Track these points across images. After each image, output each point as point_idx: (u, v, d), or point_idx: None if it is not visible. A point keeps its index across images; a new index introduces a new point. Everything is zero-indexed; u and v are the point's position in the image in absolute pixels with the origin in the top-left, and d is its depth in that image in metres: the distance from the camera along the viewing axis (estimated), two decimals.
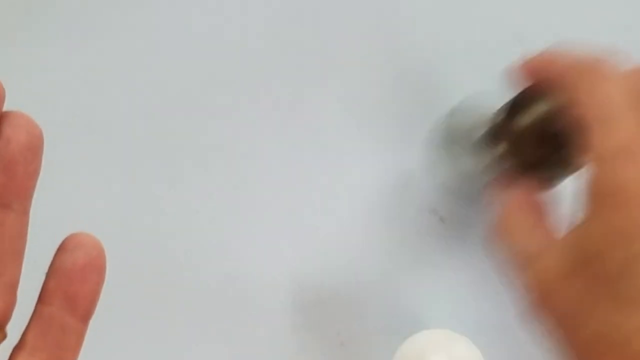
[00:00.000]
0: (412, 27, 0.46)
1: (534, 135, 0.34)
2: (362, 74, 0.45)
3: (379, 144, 0.45)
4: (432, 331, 0.41)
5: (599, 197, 0.26)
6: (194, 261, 0.44)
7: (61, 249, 0.25)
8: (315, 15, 0.46)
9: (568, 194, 0.32)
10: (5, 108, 0.47)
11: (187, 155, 0.45)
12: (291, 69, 0.46)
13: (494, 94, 0.37)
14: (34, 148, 0.24)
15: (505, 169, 0.34)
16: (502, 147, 0.34)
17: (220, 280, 0.44)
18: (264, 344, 0.44)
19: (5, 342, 0.24)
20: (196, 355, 0.44)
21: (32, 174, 0.24)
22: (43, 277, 0.44)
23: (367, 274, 0.45)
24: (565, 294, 0.27)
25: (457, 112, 0.41)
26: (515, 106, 0.34)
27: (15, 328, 0.44)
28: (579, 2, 0.46)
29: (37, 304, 0.25)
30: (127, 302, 0.44)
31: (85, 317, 0.24)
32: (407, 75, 0.46)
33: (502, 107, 0.35)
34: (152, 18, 0.45)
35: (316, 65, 0.46)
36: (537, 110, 0.34)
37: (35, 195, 0.44)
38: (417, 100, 0.45)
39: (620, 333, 0.25)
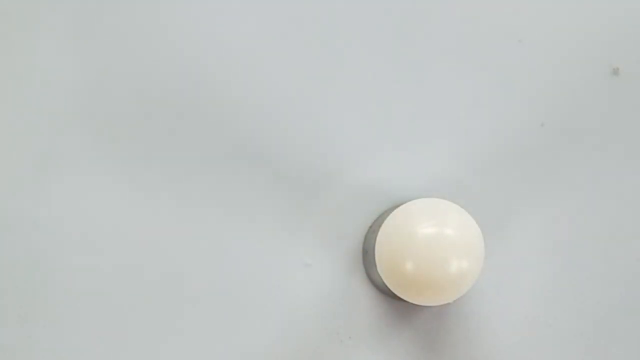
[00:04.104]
0: None
1: None
2: None
3: None
4: (422, 200, 0.41)
5: None
6: (193, 262, 0.44)
7: None
8: None
9: None
10: (5, 106, 0.46)
11: (190, 155, 0.45)
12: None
13: None
14: None
15: None
16: None
17: (218, 281, 0.44)
18: (262, 344, 0.44)
19: None
20: (194, 354, 0.44)
21: None
22: (41, 276, 0.44)
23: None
24: None
25: None
26: None
27: (14, 328, 0.44)
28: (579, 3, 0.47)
29: None
30: (130, 302, 0.44)
31: None
32: None
33: None
34: (157, 16, 0.45)
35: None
36: None
37: (36, 194, 0.44)
38: None
39: None
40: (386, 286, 0.40)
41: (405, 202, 0.41)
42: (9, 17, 0.45)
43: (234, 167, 0.44)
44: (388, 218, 0.40)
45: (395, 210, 0.40)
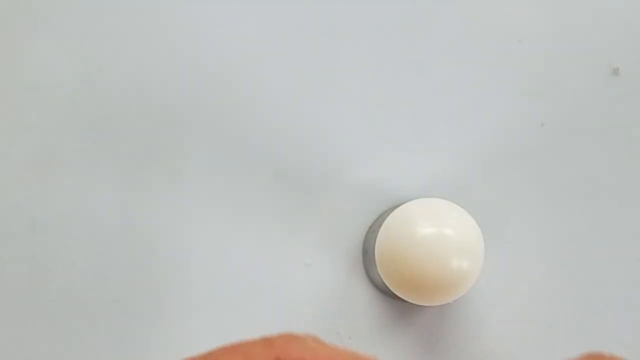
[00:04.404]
0: None
1: None
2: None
3: None
4: (422, 200, 0.41)
5: None
6: (194, 263, 0.44)
7: None
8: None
9: None
10: (5, 106, 0.46)
11: (189, 155, 0.45)
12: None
13: None
14: None
15: None
16: None
17: (218, 281, 0.44)
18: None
19: None
20: (194, 354, 0.44)
21: None
22: (42, 276, 0.44)
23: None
24: None
25: None
26: None
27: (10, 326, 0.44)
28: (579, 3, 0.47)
29: None
30: (127, 298, 0.44)
31: None
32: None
33: None
34: (157, 16, 0.45)
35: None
36: None
37: (35, 194, 0.44)
38: None
39: None
40: (386, 286, 0.40)
41: (405, 202, 0.41)
42: (9, 17, 0.45)
43: (234, 167, 0.44)
44: (388, 218, 0.40)
45: (395, 210, 0.40)
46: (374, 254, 0.40)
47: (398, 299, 0.42)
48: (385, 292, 0.43)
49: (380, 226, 0.40)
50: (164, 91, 0.44)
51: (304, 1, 0.45)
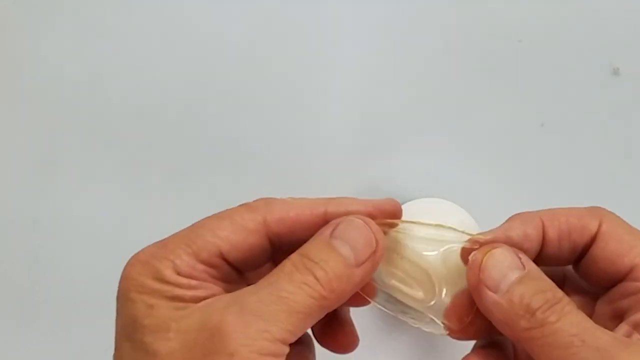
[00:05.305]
0: None
1: None
2: None
3: None
4: (422, 200, 0.41)
5: None
6: None
7: None
8: None
9: None
10: (6, 107, 0.46)
11: (188, 155, 0.45)
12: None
13: None
14: None
15: None
16: None
17: None
18: None
19: None
20: None
21: None
22: (42, 275, 0.45)
23: None
24: None
25: None
26: None
27: (5, 322, 0.44)
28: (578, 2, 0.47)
29: None
30: None
31: None
32: None
33: None
34: (155, 17, 0.45)
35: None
36: None
37: (35, 194, 0.44)
38: None
39: None
40: None
41: (405, 202, 0.41)
42: (9, 17, 0.45)
43: (233, 167, 0.44)
44: None
45: None
46: None
47: None
48: None
49: None
50: (162, 92, 0.45)
51: (304, 1, 0.45)
